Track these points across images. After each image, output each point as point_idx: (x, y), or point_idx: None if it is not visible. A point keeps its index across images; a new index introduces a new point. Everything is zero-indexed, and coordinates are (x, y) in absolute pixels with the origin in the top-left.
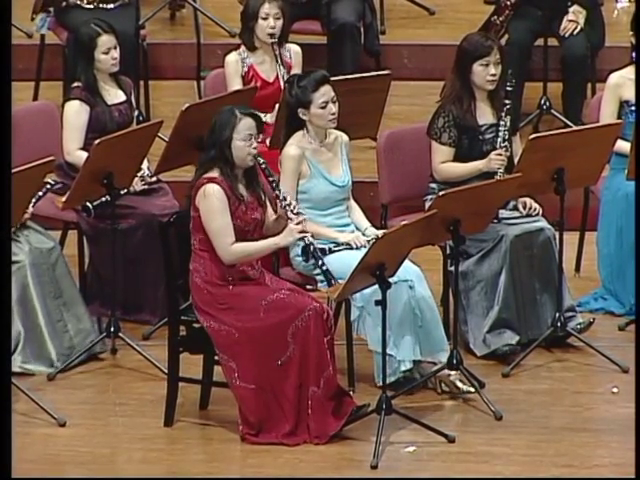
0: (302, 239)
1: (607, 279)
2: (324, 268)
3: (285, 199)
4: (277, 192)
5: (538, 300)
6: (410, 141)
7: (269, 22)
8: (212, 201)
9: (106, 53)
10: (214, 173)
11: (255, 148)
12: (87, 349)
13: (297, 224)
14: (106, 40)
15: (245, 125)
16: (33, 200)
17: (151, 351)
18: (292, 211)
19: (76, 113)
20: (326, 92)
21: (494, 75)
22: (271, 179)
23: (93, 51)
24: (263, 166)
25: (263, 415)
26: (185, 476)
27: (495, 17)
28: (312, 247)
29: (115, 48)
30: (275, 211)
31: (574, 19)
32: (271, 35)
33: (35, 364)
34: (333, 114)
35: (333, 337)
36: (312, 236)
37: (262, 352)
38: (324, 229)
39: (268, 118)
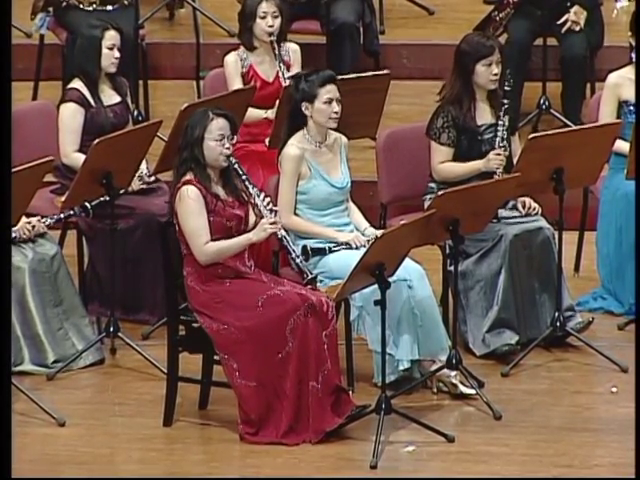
0: (275, 233)
1: (606, 279)
2: (297, 261)
3: (259, 196)
4: (250, 190)
5: (537, 300)
6: (409, 141)
7: (267, 21)
8: (187, 202)
9: (110, 49)
10: (188, 175)
11: (228, 149)
12: (84, 350)
13: (271, 222)
14: (113, 35)
15: (217, 125)
16: (50, 220)
17: (150, 351)
18: (265, 207)
19: (71, 115)
20: (332, 90)
21: (496, 75)
22: (244, 177)
23: (100, 44)
24: (235, 166)
25: (263, 412)
26: (184, 476)
27: (495, 13)
28: (285, 240)
29: (118, 49)
30: (255, 214)
31: (575, 19)
32: (269, 34)
33: (35, 367)
34: (335, 113)
35: (335, 330)
36: (285, 230)
37: (262, 349)
38: (323, 229)
39: (269, 114)
